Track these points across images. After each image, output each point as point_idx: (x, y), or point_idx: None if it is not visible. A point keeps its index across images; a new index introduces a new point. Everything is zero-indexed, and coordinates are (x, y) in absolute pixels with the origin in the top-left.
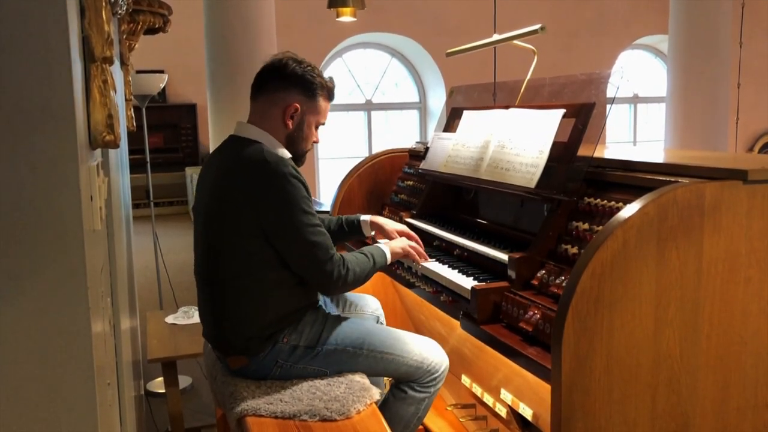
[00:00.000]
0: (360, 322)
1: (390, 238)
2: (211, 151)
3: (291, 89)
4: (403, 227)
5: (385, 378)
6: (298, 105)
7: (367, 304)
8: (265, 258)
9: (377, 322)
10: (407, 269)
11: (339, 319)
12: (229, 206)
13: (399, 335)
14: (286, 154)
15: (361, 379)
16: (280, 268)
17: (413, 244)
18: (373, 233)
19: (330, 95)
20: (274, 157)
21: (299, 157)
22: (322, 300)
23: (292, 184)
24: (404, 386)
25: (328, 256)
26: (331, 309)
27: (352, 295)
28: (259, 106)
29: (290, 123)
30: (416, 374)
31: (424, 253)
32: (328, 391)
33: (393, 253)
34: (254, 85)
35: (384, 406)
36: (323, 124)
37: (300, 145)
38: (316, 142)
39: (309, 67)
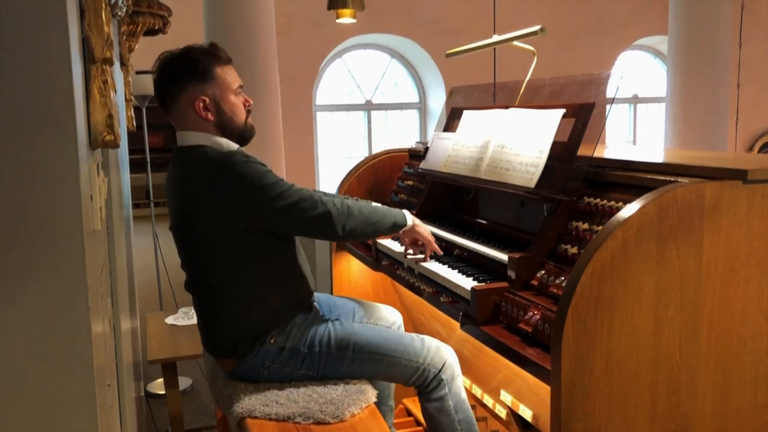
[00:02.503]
0: (350, 324)
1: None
2: None
3: (185, 86)
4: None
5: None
6: (203, 96)
7: (382, 314)
8: (242, 260)
9: None
10: (407, 269)
11: (328, 322)
12: (194, 216)
13: (390, 335)
14: (232, 145)
15: (358, 381)
16: (256, 268)
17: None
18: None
19: (225, 60)
20: (217, 155)
21: (243, 133)
22: (327, 307)
23: (245, 168)
24: (421, 399)
25: (315, 199)
26: (336, 315)
27: (368, 303)
28: (174, 117)
29: (209, 114)
30: (414, 377)
31: (434, 250)
32: (325, 393)
33: (416, 224)
34: (158, 103)
35: (431, 429)
36: (241, 86)
37: (233, 123)
38: (249, 104)
39: (187, 53)
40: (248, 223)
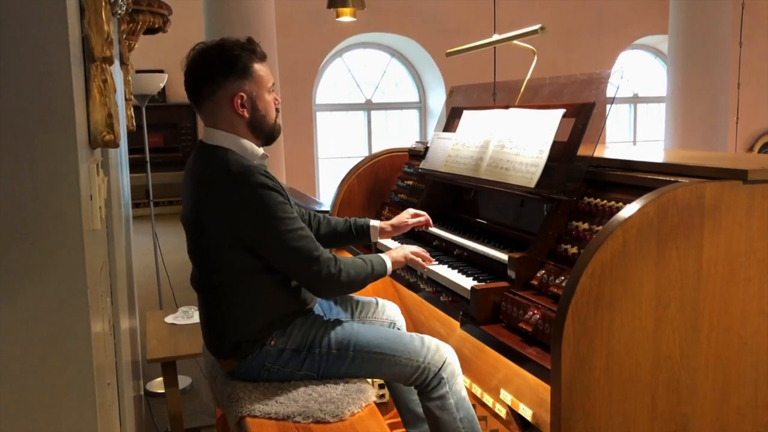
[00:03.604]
0: (350, 324)
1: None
2: None
3: (224, 81)
4: (414, 210)
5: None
6: (242, 93)
7: (383, 310)
8: (247, 265)
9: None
10: (408, 269)
11: (328, 322)
12: (205, 219)
13: (390, 335)
14: (257, 151)
15: (358, 380)
16: (264, 274)
17: (415, 249)
18: (378, 240)
19: (261, 56)
20: (239, 167)
21: (272, 132)
22: (327, 305)
23: (261, 193)
24: (422, 399)
25: (313, 257)
26: (337, 314)
27: (366, 299)
28: (206, 111)
29: (244, 111)
30: (415, 375)
31: (428, 257)
32: (324, 392)
33: (394, 263)
34: (189, 96)
35: (433, 427)
36: (273, 84)
37: (265, 122)
38: (278, 103)
39: (226, 47)
40: (246, 242)
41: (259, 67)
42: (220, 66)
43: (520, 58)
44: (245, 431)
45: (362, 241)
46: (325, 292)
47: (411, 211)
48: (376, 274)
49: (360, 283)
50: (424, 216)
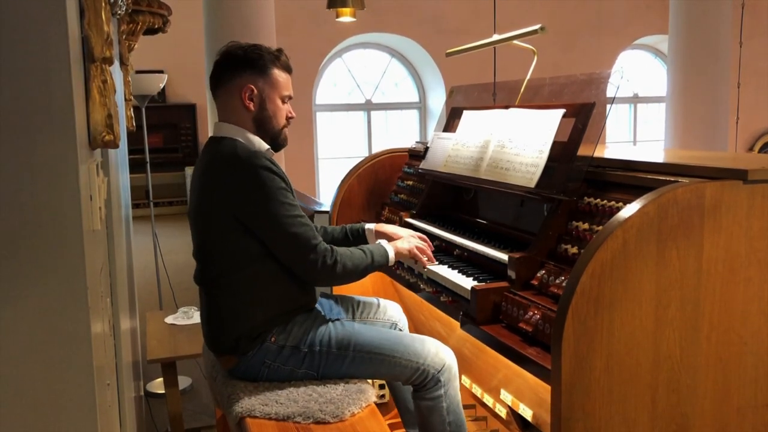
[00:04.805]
0: (350, 324)
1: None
2: None
3: (241, 73)
4: (412, 232)
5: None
6: (252, 85)
7: (384, 311)
8: (248, 252)
9: (395, 330)
10: (407, 269)
11: (329, 321)
12: (209, 205)
13: (390, 336)
14: (263, 145)
15: (358, 380)
16: (265, 263)
17: (420, 245)
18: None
19: (285, 66)
20: (246, 152)
21: (276, 137)
22: (328, 305)
23: (264, 176)
24: (416, 397)
25: (310, 246)
26: (338, 315)
27: (368, 299)
28: (220, 102)
29: (251, 105)
30: (414, 376)
31: (431, 255)
32: (325, 392)
33: (397, 253)
34: (211, 85)
35: (420, 426)
36: (290, 97)
37: (271, 123)
38: (291, 117)
39: (253, 46)
40: (246, 223)
41: (278, 73)
42: (243, 59)
43: (520, 58)
44: None
45: (359, 244)
46: (322, 282)
47: (414, 233)
48: (376, 264)
49: (359, 273)
50: (427, 246)
